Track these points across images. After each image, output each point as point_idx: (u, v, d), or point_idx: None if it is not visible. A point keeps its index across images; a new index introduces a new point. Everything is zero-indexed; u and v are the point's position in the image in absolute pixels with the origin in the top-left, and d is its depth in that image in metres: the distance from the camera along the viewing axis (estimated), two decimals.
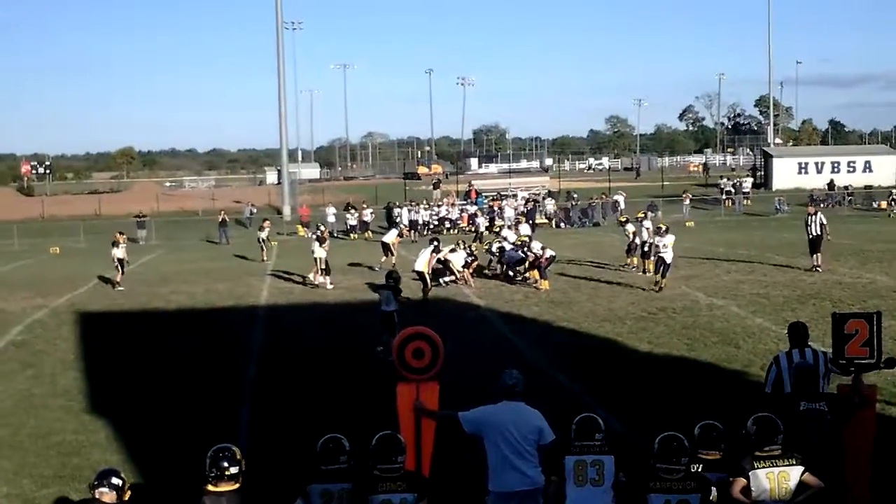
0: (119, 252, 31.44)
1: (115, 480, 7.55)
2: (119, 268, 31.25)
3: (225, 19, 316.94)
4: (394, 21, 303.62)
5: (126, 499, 7.58)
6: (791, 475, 7.78)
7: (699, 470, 7.83)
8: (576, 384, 15.57)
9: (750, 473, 7.77)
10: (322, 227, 34.62)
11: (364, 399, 14.31)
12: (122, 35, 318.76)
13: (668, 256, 25.56)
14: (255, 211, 62.29)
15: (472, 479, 9.20)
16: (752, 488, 7.74)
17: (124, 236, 33.87)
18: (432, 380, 9.04)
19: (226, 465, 7.40)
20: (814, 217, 29.30)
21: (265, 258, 39.43)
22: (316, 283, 29.36)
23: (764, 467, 7.79)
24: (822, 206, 54.41)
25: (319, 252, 29.41)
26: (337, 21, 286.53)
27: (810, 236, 29.17)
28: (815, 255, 28.86)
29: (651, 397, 14.62)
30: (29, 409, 15.48)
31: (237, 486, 7.42)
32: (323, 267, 29.33)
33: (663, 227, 26.84)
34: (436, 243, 28.02)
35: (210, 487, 7.40)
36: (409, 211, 53.07)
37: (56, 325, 23.76)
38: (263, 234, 41.25)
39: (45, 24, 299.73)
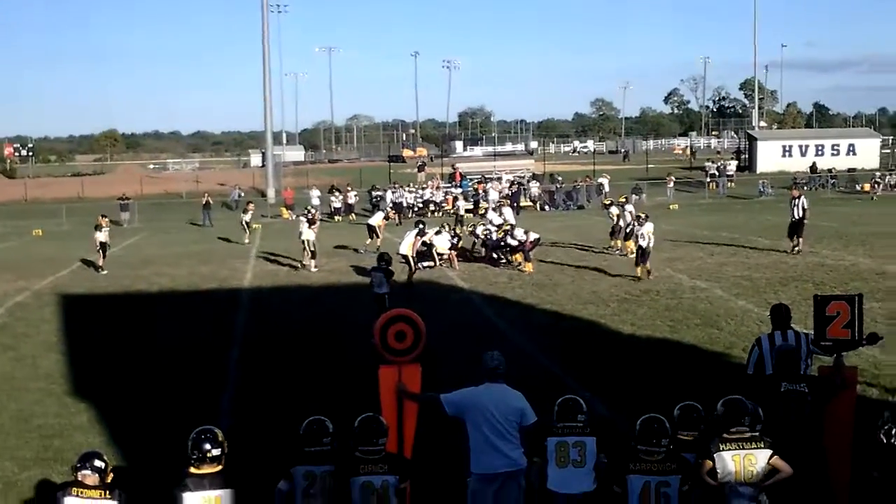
0: (102, 235, 31.25)
1: (97, 462, 7.54)
2: (101, 251, 31.11)
3: (210, 2, 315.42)
4: (379, 3, 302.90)
5: (108, 481, 7.56)
6: (758, 458, 7.78)
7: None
8: (559, 366, 15.59)
9: (715, 455, 7.80)
10: (311, 209, 34.59)
11: (347, 381, 14.28)
12: (105, 17, 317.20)
13: (645, 243, 24.90)
14: (242, 194, 61.97)
15: (454, 460, 9.20)
16: (718, 469, 7.77)
17: (107, 220, 33.68)
18: (414, 362, 9.04)
19: (208, 447, 7.40)
20: (797, 200, 29.35)
21: (248, 241, 39.28)
22: (305, 265, 29.26)
23: (730, 449, 7.80)
24: (805, 188, 54.71)
25: (308, 234, 29.34)
26: (322, 3, 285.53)
27: (793, 219, 29.23)
28: (795, 238, 28.93)
29: (634, 379, 14.64)
30: (10, 391, 15.42)
31: (220, 468, 7.43)
32: (312, 249, 29.22)
33: (642, 216, 26.42)
34: (421, 226, 27.95)
35: (192, 469, 7.41)
36: (393, 193, 52.92)
37: (38, 308, 23.67)
38: (247, 217, 41.10)
39: (26, 6, 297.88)
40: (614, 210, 32.02)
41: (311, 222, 29.88)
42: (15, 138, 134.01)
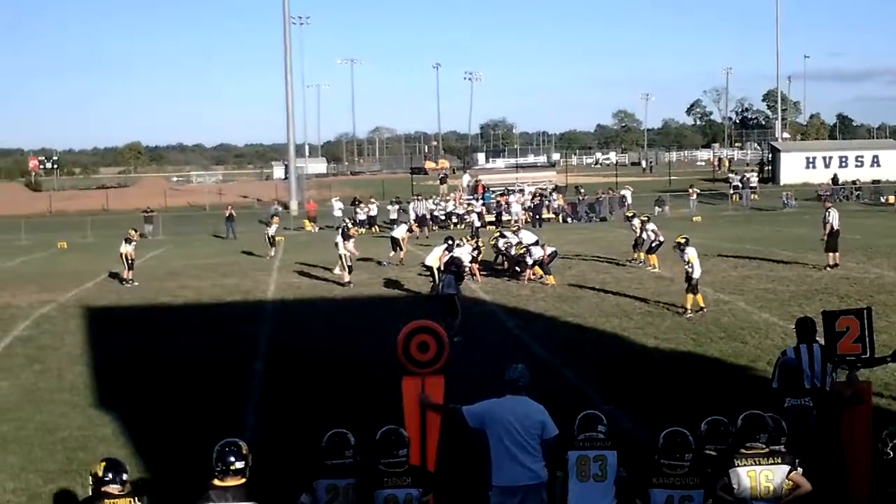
0: (129, 248, 31.33)
1: (123, 475, 7.55)
2: (127, 264, 31.22)
3: (232, 14, 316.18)
4: (401, 16, 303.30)
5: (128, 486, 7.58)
6: (775, 474, 7.70)
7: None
8: (582, 379, 15.56)
9: (731, 471, 7.74)
10: (347, 222, 34.65)
11: (370, 393, 14.30)
12: (129, 30, 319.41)
13: (692, 271, 21.70)
14: (280, 209, 60.23)
15: (476, 473, 9.19)
16: (734, 485, 7.71)
17: (138, 233, 33.85)
18: (438, 374, 9.04)
19: (232, 459, 7.41)
20: (829, 212, 28.49)
21: (271, 254, 39.13)
22: (339, 276, 29.10)
23: (745, 465, 7.73)
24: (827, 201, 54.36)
25: (344, 248, 29.10)
26: (344, 15, 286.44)
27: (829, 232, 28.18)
28: (832, 254, 27.91)
29: (657, 392, 14.59)
30: (35, 403, 15.49)
31: (243, 480, 7.43)
32: (349, 263, 29.03)
33: (682, 241, 22.89)
34: (450, 241, 27.85)
35: (216, 482, 7.41)
36: (416, 205, 52.88)
37: (63, 320, 23.78)
38: (271, 231, 40.62)
39: (52, 19, 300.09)
40: (637, 222, 31.94)
41: (346, 236, 29.75)
42: (39, 151, 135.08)
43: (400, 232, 34.95)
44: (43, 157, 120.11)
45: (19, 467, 12.21)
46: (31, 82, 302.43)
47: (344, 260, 28.94)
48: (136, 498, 7.49)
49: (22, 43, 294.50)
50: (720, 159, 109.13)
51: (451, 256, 23.24)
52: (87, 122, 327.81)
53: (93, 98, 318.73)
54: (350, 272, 28.95)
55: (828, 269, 27.43)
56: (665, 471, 7.61)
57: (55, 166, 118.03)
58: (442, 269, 25.99)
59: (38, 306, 26.05)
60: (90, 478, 7.49)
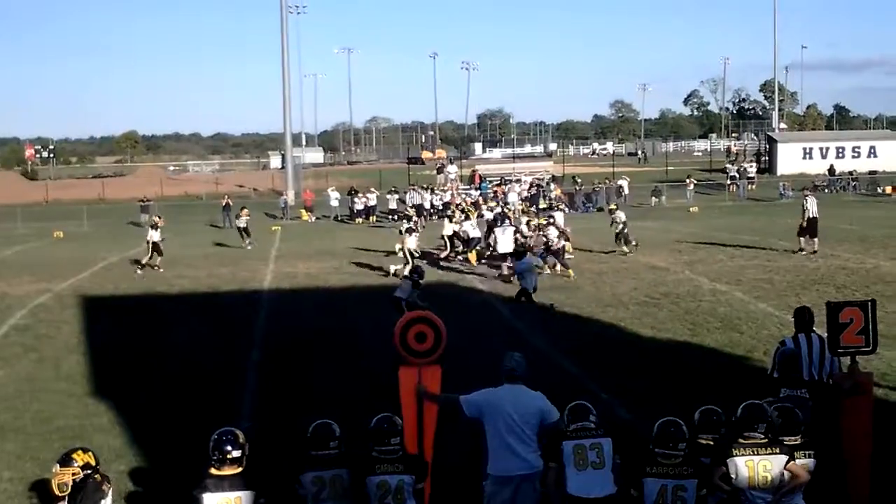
0: (156, 235, 31.54)
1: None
2: (154, 251, 31.41)
3: (229, 3, 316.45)
4: (398, 5, 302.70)
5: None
6: (773, 464, 7.71)
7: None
8: (579, 369, 15.56)
9: (728, 460, 7.75)
10: (411, 213, 34.59)
11: (367, 383, 14.30)
12: (125, 17, 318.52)
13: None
14: (288, 202, 60.30)
15: (472, 462, 9.19)
16: (732, 475, 7.72)
17: (163, 220, 33.88)
18: (434, 364, 9.04)
19: (229, 448, 7.42)
20: (807, 200, 29.91)
21: (248, 245, 38.67)
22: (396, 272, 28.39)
23: (743, 455, 7.74)
24: (824, 191, 54.58)
25: (410, 243, 28.67)
26: (341, 5, 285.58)
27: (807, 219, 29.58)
28: (808, 238, 29.37)
29: (654, 382, 14.60)
30: (32, 393, 15.47)
31: (240, 469, 7.45)
32: (413, 257, 28.01)
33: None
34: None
35: (213, 471, 7.43)
36: (413, 196, 52.81)
37: (59, 310, 23.76)
38: (241, 223, 39.91)
39: (48, 7, 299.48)
40: (621, 215, 32.02)
41: (410, 230, 29.62)
42: (36, 140, 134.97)
43: (412, 243, 33.74)
44: (39, 146, 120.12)
45: (16, 456, 12.21)
46: (27, 71, 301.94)
47: (407, 255, 28.21)
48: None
49: (18, 31, 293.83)
50: (728, 149, 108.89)
51: (416, 265, 22.96)
52: (84, 112, 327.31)
53: (89, 87, 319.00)
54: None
55: (801, 252, 28.88)
56: (659, 460, 7.63)
57: (51, 155, 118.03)
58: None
59: (35, 295, 26.03)
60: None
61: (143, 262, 31.17)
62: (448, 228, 31.73)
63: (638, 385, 14.43)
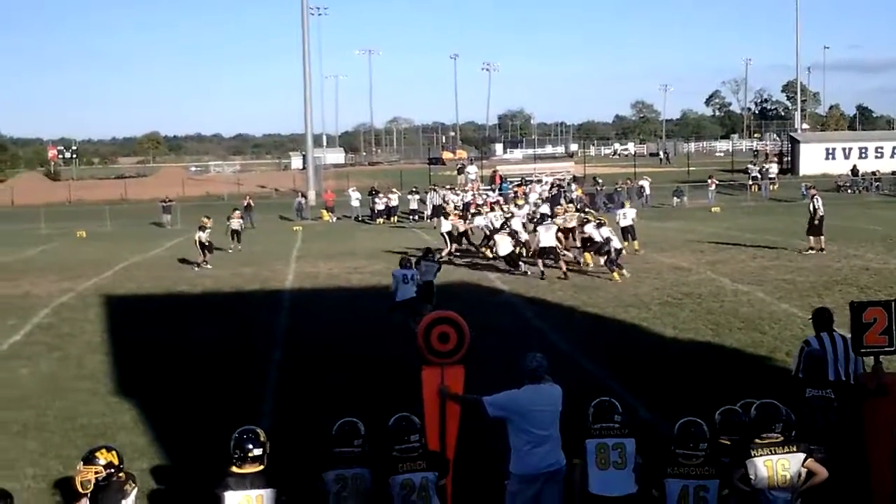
0: (204, 235, 32.09)
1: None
2: (204, 250, 31.90)
3: (251, 5, 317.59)
4: (419, 6, 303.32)
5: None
6: (791, 463, 7.69)
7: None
8: (601, 369, 15.52)
9: (747, 461, 7.73)
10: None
11: (389, 383, 14.30)
12: (148, 21, 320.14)
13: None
14: (303, 202, 59.92)
15: (495, 462, 9.19)
16: (751, 476, 7.69)
17: (211, 220, 34.14)
18: (458, 364, 9.03)
19: (250, 446, 7.45)
20: (815, 200, 30.23)
21: (232, 248, 38.21)
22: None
23: (762, 455, 7.73)
24: (848, 191, 54.30)
25: (445, 226, 30.41)
26: (362, 6, 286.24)
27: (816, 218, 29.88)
28: (819, 238, 29.66)
29: (676, 382, 14.54)
30: (55, 391, 15.56)
31: (261, 467, 7.48)
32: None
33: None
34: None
35: (234, 469, 7.46)
36: (433, 196, 52.72)
37: (82, 309, 23.88)
38: (234, 224, 39.46)
39: (72, 10, 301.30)
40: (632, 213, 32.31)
41: (444, 214, 30.63)
42: (59, 141, 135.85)
43: (446, 226, 33.99)
44: (62, 147, 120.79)
45: (39, 453, 12.28)
46: (50, 72, 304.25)
47: (445, 238, 29.33)
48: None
49: (41, 33, 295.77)
50: (757, 151, 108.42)
51: (428, 247, 23.97)
52: (106, 113, 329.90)
53: (112, 88, 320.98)
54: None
55: (811, 251, 29.10)
56: (680, 461, 7.62)
57: (74, 156, 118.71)
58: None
59: (58, 295, 26.18)
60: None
61: (199, 261, 31.89)
62: (445, 226, 32.69)
63: (659, 385, 14.38)
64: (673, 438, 7.68)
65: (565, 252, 28.31)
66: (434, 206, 50.48)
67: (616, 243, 26.04)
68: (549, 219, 30.30)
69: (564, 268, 26.23)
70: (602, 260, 26.41)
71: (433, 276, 21.01)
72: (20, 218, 62.35)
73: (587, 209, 34.60)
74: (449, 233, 32.14)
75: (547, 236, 26.77)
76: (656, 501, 7.67)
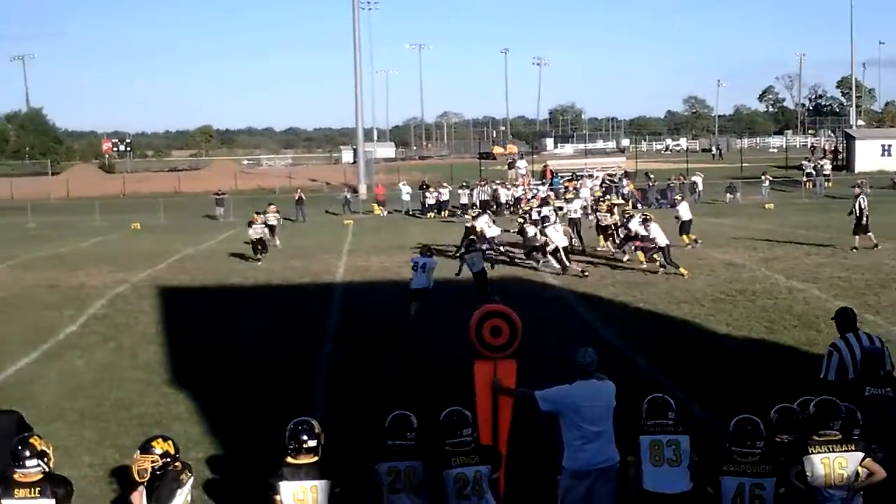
0: (252, 232, 31.96)
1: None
2: (256, 246, 31.81)
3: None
4: (469, 0, 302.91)
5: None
6: (849, 461, 7.62)
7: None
8: (653, 365, 15.44)
9: (804, 458, 7.65)
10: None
11: (440, 376, 14.33)
12: (200, 16, 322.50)
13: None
14: (350, 197, 59.28)
15: (547, 456, 9.17)
16: (808, 473, 7.62)
17: (261, 216, 34.14)
18: (510, 358, 9.03)
19: (305, 437, 7.50)
20: (860, 198, 30.09)
21: (257, 257, 32.09)
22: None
23: (819, 452, 7.65)
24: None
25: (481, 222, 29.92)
26: (412, 0, 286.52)
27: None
28: (867, 234, 29.48)
29: (729, 380, 14.45)
30: (111, 381, 15.76)
31: (316, 458, 7.52)
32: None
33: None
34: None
35: (289, 459, 7.51)
36: (480, 191, 52.41)
37: (137, 300, 24.15)
38: (271, 220, 36.79)
39: (126, 3, 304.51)
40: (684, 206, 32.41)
41: (478, 215, 30.81)
42: (113, 134, 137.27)
43: (483, 222, 33.81)
44: (116, 140, 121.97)
45: (95, 442, 12.47)
46: (104, 66, 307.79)
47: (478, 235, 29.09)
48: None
49: (96, 29, 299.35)
50: (814, 147, 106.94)
51: (471, 238, 25.46)
52: (160, 106, 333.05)
53: (165, 82, 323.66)
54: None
55: (854, 250, 28.69)
56: (736, 458, 7.55)
57: (128, 149, 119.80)
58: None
59: (113, 286, 26.48)
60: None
61: (254, 257, 31.84)
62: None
63: (713, 382, 14.29)
64: (728, 436, 7.61)
65: (605, 247, 28.33)
66: (481, 201, 50.29)
67: (663, 240, 25.79)
68: (555, 218, 30.21)
69: (568, 264, 26.53)
70: (658, 260, 26.09)
71: (482, 265, 22.23)
72: (75, 210, 63.19)
73: (637, 204, 34.45)
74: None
75: (557, 237, 27.07)
76: (711, 499, 7.61)
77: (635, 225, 26.98)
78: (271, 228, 36.58)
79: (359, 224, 47.82)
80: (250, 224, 32.85)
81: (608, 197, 40.57)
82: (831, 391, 9.06)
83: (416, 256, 21.33)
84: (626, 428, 8.38)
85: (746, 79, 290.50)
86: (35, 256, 35.17)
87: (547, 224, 27.77)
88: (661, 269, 25.52)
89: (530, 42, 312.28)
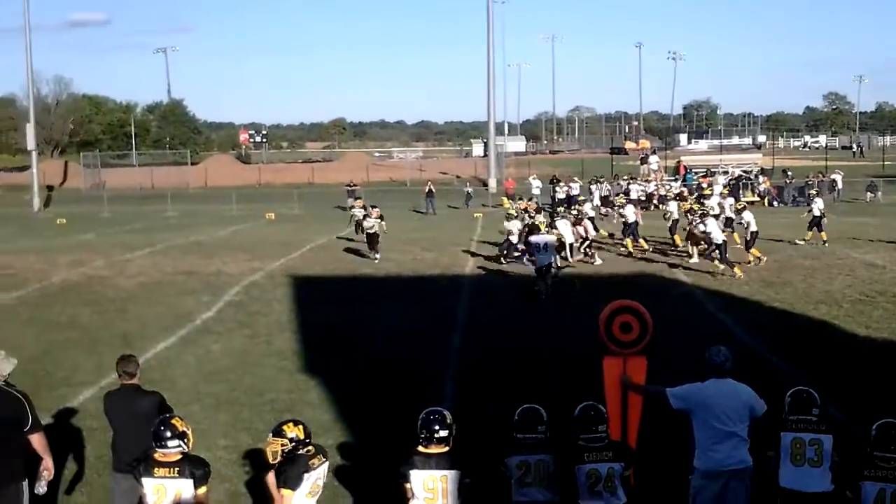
0: (366, 224, 31.47)
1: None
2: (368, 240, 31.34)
3: None
4: None
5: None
6: None
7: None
8: (789, 366, 15.07)
9: None
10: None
11: (568, 371, 14.26)
12: (335, 11, 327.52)
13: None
14: (470, 191, 58.86)
15: (679, 455, 9.04)
16: None
17: (366, 206, 34.24)
18: (640, 354, 8.93)
19: (436, 427, 7.54)
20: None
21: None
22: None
23: None
24: None
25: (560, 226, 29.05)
26: None
27: None
28: None
29: (869, 382, 14.02)
30: (245, 366, 16.10)
31: (447, 449, 7.55)
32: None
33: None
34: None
35: (421, 449, 7.56)
36: (600, 187, 51.68)
37: (271, 288, 24.63)
38: (357, 213, 37.09)
39: (265, 2, 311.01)
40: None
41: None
42: (249, 125, 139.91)
43: (562, 227, 33.11)
44: (253, 131, 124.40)
45: (230, 425, 12.75)
46: (243, 61, 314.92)
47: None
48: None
49: (235, 24, 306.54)
50: None
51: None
52: (295, 99, 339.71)
53: (301, 76, 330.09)
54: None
55: None
56: (878, 463, 7.30)
57: (264, 140, 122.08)
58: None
59: (248, 273, 27.08)
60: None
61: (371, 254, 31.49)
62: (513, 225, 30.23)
63: (852, 384, 13.88)
64: (871, 440, 7.37)
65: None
66: (602, 196, 49.49)
67: (719, 237, 25.15)
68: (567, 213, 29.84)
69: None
70: (714, 258, 25.49)
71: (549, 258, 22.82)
72: (213, 199, 64.85)
73: (774, 202, 33.71)
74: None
75: (567, 231, 27.63)
76: (850, 503, 7.39)
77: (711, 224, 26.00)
78: (359, 225, 35.96)
79: (488, 217, 47.85)
80: (364, 217, 32.89)
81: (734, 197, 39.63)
82: None
83: (534, 237, 23.35)
84: (765, 422, 8.20)
85: (889, 75, 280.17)
86: (174, 244, 36.20)
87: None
88: (716, 267, 25.22)
89: (665, 36, 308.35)
